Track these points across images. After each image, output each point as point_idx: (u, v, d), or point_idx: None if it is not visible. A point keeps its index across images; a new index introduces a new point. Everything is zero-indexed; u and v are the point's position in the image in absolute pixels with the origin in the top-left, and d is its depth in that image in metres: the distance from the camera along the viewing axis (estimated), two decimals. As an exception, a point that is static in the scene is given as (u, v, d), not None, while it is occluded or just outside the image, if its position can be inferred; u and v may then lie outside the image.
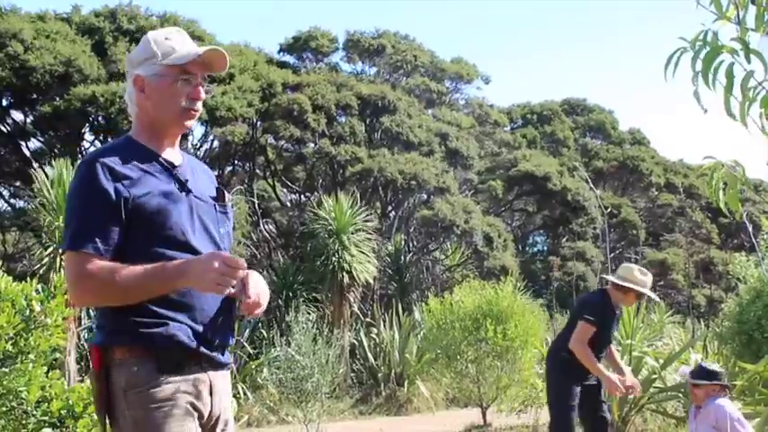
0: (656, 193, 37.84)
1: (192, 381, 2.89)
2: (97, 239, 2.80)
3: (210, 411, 2.97)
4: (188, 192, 2.99)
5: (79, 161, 3.04)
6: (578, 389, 7.14)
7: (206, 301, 2.92)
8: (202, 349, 2.91)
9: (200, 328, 2.90)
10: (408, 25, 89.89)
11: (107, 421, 2.91)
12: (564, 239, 33.90)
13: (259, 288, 2.98)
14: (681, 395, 10.31)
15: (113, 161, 2.89)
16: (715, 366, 7.07)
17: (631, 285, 7.21)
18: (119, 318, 2.84)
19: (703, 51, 2.83)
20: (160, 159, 3.02)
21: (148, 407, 2.80)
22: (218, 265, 2.70)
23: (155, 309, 2.83)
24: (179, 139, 3.19)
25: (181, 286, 2.80)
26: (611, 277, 7.48)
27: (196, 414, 2.90)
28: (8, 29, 21.57)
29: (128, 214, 2.84)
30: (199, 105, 3.08)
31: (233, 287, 2.78)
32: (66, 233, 2.88)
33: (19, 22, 22.20)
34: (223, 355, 3.02)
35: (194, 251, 2.91)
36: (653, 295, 7.45)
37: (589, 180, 22.06)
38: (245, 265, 2.78)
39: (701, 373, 6.82)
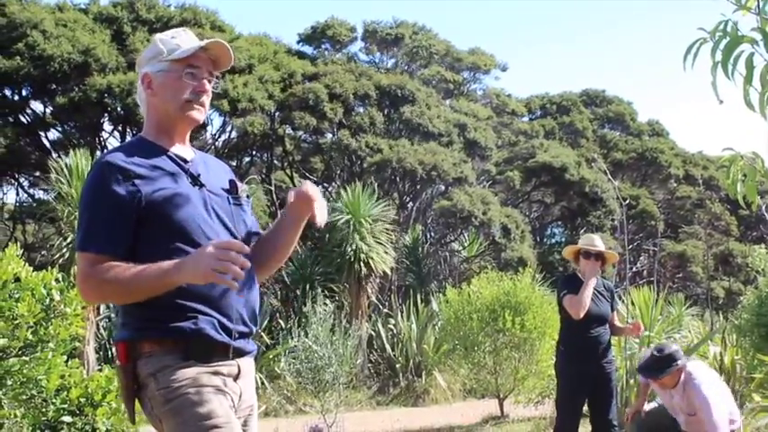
0: (675, 184, 37.63)
1: (218, 369, 2.92)
2: (105, 241, 2.85)
3: (240, 396, 3.01)
4: (201, 186, 3.02)
5: (94, 161, 3.08)
6: (577, 379, 7.15)
7: (232, 293, 2.94)
8: (229, 340, 2.94)
9: (226, 320, 2.94)
10: (425, 16, 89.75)
11: (134, 411, 2.96)
12: (582, 231, 33.74)
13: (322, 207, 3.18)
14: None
15: (124, 160, 2.92)
16: (668, 348, 6.80)
17: (574, 249, 7.38)
18: (146, 313, 2.87)
19: (723, 42, 2.81)
20: (171, 155, 3.06)
21: (180, 383, 2.84)
22: (211, 252, 2.70)
23: (182, 302, 2.86)
24: (189, 134, 3.22)
25: (180, 281, 2.80)
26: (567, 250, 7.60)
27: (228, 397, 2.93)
28: (30, 18, 21.69)
29: (141, 212, 2.87)
30: (204, 99, 3.12)
31: (235, 272, 2.71)
32: (78, 234, 2.93)
33: (39, 11, 22.30)
34: (248, 342, 3.06)
35: None
36: (593, 249, 7.34)
37: (607, 171, 21.91)
38: (244, 247, 2.76)
39: (662, 363, 6.64)
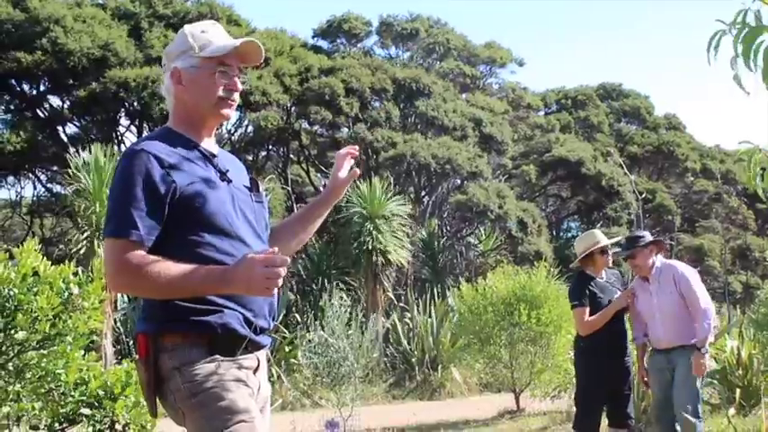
0: (692, 178, 37.49)
1: (241, 363, 2.94)
2: (140, 228, 2.83)
3: (259, 389, 3.04)
4: (229, 181, 3.03)
5: (124, 150, 3.06)
6: (598, 374, 7.12)
7: None
8: (252, 335, 2.96)
9: (250, 315, 2.95)
10: (441, 10, 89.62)
11: (156, 404, 2.97)
12: (598, 225, 33.59)
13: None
14: (716, 381, 10.24)
15: (158, 150, 2.92)
16: (636, 231, 7.36)
17: (584, 252, 7.28)
18: (171, 307, 2.87)
19: (744, 32, 2.79)
20: (200, 149, 3.06)
21: (205, 377, 2.85)
22: (261, 269, 2.72)
23: (207, 297, 2.86)
24: (215, 130, 3.22)
25: (225, 293, 2.83)
26: (576, 264, 7.47)
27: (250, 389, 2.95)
28: (51, 14, 21.83)
29: (173, 203, 2.87)
30: (236, 96, 3.12)
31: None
32: (108, 220, 2.90)
33: (59, 7, 22.43)
34: (266, 336, 3.08)
35: (240, 239, 2.95)
36: (605, 244, 7.37)
37: (623, 165, 21.83)
38: (287, 259, 2.79)
39: (632, 241, 7.00)
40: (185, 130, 3.08)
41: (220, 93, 3.05)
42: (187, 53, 3.06)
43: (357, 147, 3.47)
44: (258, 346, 3.03)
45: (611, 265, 7.50)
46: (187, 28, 3.15)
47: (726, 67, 2.86)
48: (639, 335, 7.13)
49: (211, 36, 3.09)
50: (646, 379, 7.10)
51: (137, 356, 3.00)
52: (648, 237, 7.01)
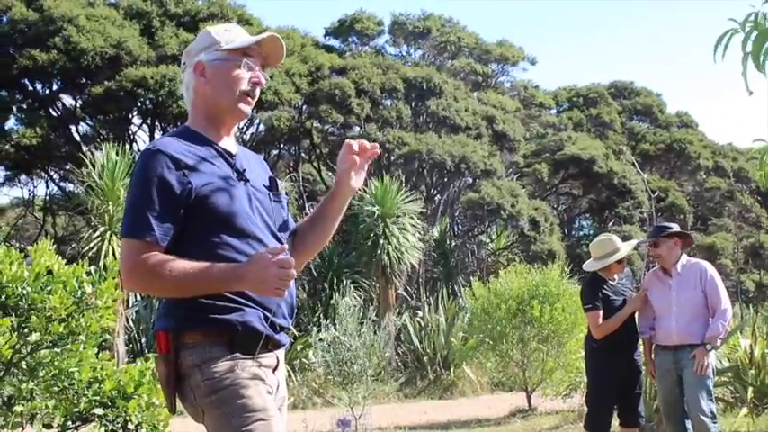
0: (705, 176, 37.34)
1: (260, 361, 2.96)
2: (155, 229, 2.85)
3: (278, 388, 3.06)
4: (246, 181, 3.04)
5: (142, 150, 3.08)
6: (609, 374, 7.10)
7: None
8: (272, 333, 2.98)
9: (270, 314, 2.96)
10: (453, 8, 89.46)
11: (175, 399, 2.99)
12: (610, 223, 33.56)
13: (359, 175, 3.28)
14: (730, 379, 10.22)
15: (175, 150, 2.93)
16: (664, 223, 7.36)
17: (602, 264, 7.19)
18: (191, 304, 2.89)
19: (754, 33, 2.79)
20: (218, 148, 3.06)
21: (225, 374, 2.87)
22: (276, 271, 2.75)
23: (228, 295, 2.88)
24: (235, 128, 3.24)
25: (236, 289, 2.85)
26: (589, 268, 7.36)
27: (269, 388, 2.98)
28: (65, 13, 21.96)
29: (190, 204, 2.89)
30: (257, 92, 3.13)
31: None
32: (125, 220, 2.93)
33: (71, 6, 22.55)
34: (284, 335, 3.10)
35: (257, 239, 2.97)
36: (624, 253, 7.32)
37: (636, 163, 21.74)
38: (293, 260, 2.82)
39: (660, 228, 7.04)
40: (204, 129, 3.10)
41: (244, 86, 3.07)
42: (212, 47, 3.08)
43: (376, 145, 3.35)
44: (277, 345, 3.05)
45: (625, 271, 7.47)
46: (210, 28, 3.18)
47: (738, 65, 2.87)
48: (646, 329, 7.12)
49: (234, 35, 3.12)
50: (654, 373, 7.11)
51: (156, 353, 3.02)
52: (676, 228, 7.00)
